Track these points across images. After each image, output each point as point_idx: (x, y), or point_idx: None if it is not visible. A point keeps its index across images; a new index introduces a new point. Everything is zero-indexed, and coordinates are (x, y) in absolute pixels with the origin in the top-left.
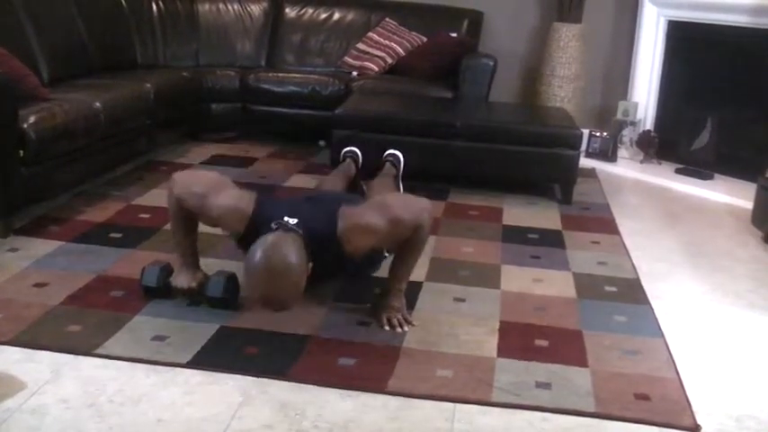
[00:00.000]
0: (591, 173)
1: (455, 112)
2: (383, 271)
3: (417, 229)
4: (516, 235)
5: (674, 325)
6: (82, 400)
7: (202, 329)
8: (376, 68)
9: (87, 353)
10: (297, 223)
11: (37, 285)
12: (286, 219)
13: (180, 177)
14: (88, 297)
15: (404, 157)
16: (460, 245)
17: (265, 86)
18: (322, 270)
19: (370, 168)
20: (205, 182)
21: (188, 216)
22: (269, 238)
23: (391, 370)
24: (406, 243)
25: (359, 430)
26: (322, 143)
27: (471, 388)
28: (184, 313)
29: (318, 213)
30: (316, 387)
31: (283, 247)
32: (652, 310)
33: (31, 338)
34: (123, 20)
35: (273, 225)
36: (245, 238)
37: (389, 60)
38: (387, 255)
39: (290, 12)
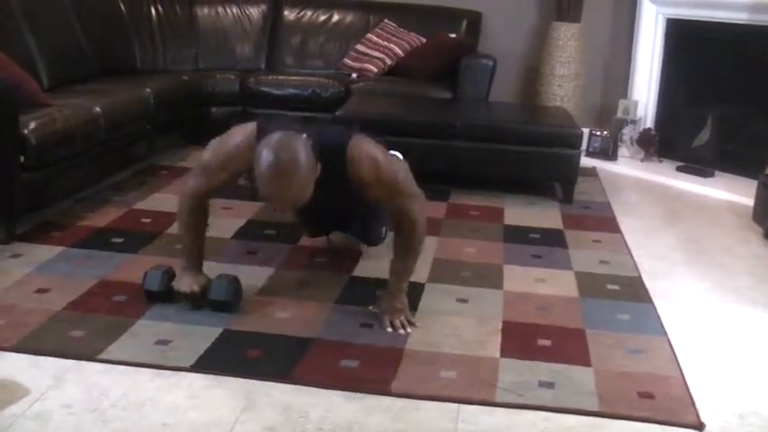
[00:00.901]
0: (592, 172)
1: (455, 113)
2: (385, 273)
3: (409, 211)
4: (518, 235)
5: (676, 323)
6: (85, 405)
7: (205, 333)
8: (375, 70)
9: (90, 358)
10: (305, 135)
11: (39, 291)
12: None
13: (188, 178)
14: (90, 302)
15: (404, 158)
16: (462, 245)
17: (265, 89)
18: (326, 194)
19: None
20: (204, 156)
21: (201, 212)
22: (276, 136)
23: (395, 371)
24: (402, 238)
25: None
26: None
27: (475, 388)
28: (187, 317)
29: (328, 130)
30: (319, 389)
31: (291, 143)
32: (654, 308)
33: (34, 344)
34: (122, 24)
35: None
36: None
37: (389, 62)
38: (385, 233)
39: (289, 14)
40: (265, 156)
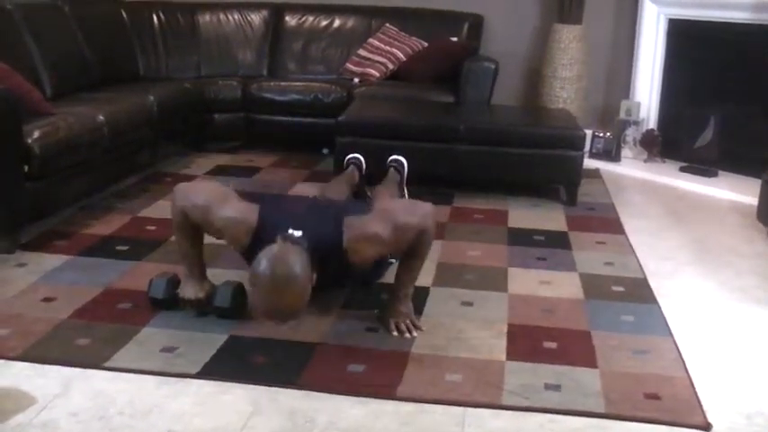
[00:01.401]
0: (595, 173)
1: (458, 116)
2: (389, 277)
3: (421, 233)
4: (522, 237)
5: (681, 323)
6: (92, 413)
7: (211, 340)
8: (377, 74)
9: (96, 366)
10: (302, 235)
11: (45, 300)
12: (291, 231)
13: (182, 189)
14: (96, 310)
15: (407, 162)
16: (466, 249)
17: (267, 95)
18: (327, 280)
19: (374, 175)
20: (207, 193)
21: (193, 227)
22: (273, 250)
23: (401, 375)
24: (410, 248)
25: None
26: (325, 151)
27: (481, 391)
28: (193, 324)
29: (323, 224)
30: (325, 394)
31: (288, 258)
32: (660, 308)
33: (40, 353)
34: (125, 33)
35: (279, 238)
36: (250, 250)
37: (391, 66)
38: (392, 261)
39: (291, 20)
40: (263, 270)
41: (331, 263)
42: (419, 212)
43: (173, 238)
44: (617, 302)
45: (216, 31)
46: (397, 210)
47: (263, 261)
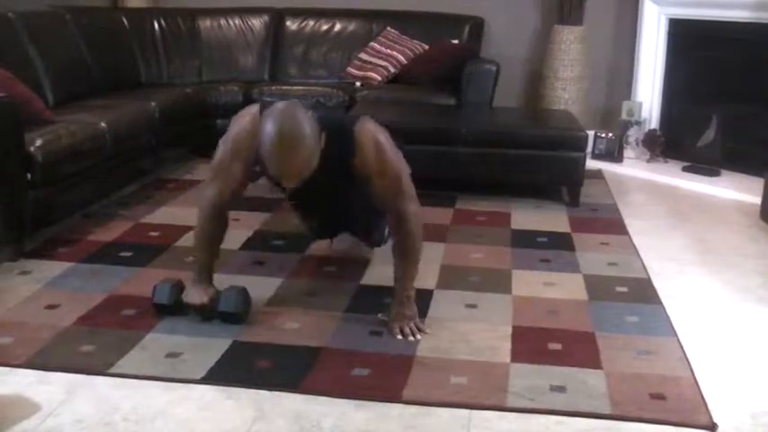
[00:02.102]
0: (598, 174)
1: (460, 119)
2: (392, 280)
3: (407, 214)
4: (525, 239)
5: (686, 323)
6: (97, 419)
7: (215, 345)
8: (379, 78)
9: (101, 372)
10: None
11: (49, 307)
12: None
13: (201, 187)
14: (100, 317)
15: (410, 165)
16: (470, 251)
17: (269, 100)
18: (330, 181)
19: None
20: (216, 155)
21: (219, 221)
22: (278, 106)
23: (405, 378)
24: (399, 242)
25: None
26: None
27: (486, 394)
28: (197, 329)
29: (336, 112)
30: (330, 398)
31: (294, 113)
32: (664, 309)
33: (45, 360)
34: (126, 40)
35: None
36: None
37: (392, 69)
38: (387, 235)
39: (292, 24)
40: (269, 126)
41: (337, 152)
42: (414, 195)
43: (176, 243)
44: (621, 303)
45: (217, 36)
46: (405, 168)
47: (270, 117)
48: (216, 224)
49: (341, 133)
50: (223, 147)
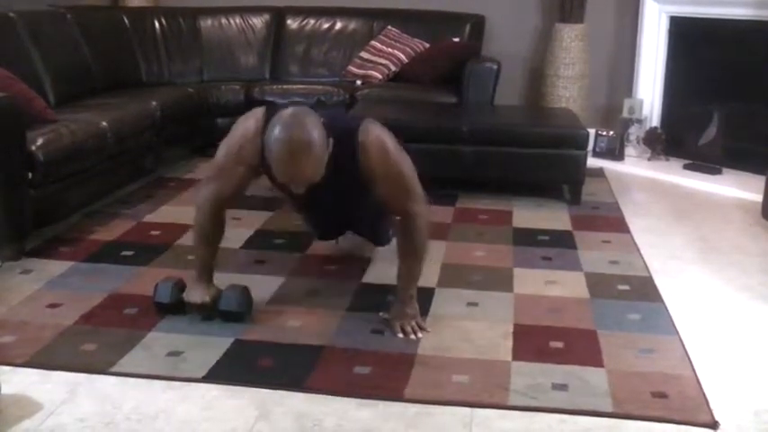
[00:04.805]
0: (599, 172)
1: (461, 117)
2: (393, 278)
3: (413, 214)
4: (527, 237)
5: (688, 321)
6: (99, 418)
7: (217, 343)
8: (380, 76)
9: (103, 371)
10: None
11: (50, 306)
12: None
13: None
14: (102, 316)
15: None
16: (471, 249)
17: (270, 99)
18: (335, 184)
19: None
20: (217, 156)
21: (217, 220)
22: (287, 111)
23: (407, 377)
24: (405, 241)
25: None
26: None
27: (488, 392)
28: (198, 328)
29: (341, 114)
30: (332, 397)
31: (302, 118)
32: (665, 307)
33: (47, 359)
34: (127, 39)
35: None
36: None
37: (393, 68)
38: (392, 234)
39: (292, 23)
40: (277, 131)
41: (342, 155)
42: (420, 193)
43: (178, 242)
44: (623, 301)
45: (218, 35)
46: (409, 167)
47: (278, 122)
48: (214, 223)
49: (346, 137)
50: (225, 148)
